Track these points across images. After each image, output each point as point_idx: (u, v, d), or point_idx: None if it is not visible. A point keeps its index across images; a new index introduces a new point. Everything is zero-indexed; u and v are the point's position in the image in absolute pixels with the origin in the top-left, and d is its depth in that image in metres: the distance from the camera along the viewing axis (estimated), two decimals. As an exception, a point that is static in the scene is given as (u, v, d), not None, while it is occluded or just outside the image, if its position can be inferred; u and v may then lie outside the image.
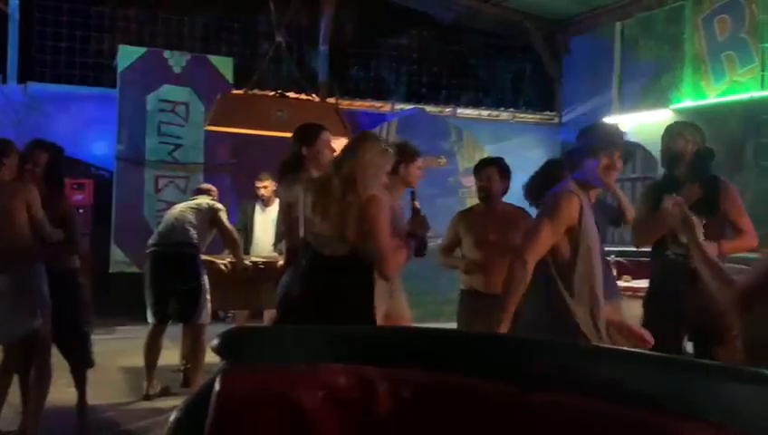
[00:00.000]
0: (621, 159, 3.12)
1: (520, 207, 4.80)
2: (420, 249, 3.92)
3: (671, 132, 4.03)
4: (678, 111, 9.25)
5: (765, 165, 7.86)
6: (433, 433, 1.38)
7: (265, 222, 7.01)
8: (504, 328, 2.97)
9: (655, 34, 9.81)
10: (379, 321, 4.55)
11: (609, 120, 10.21)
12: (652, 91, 9.71)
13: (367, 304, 3.44)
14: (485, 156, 9.87)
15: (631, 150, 3.43)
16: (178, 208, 5.92)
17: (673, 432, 1.14)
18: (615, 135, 3.22)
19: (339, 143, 4.33)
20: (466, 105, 11.75)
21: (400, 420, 1.40)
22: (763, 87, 8.21)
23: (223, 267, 6.07)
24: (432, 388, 1.42)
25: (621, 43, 10.41)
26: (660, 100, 9.50)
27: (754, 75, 8.35)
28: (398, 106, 11.10)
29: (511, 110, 11.91)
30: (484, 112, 11.68)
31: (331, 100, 10.22)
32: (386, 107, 11.06)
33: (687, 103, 9.15)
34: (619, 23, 10.40)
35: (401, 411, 1.40)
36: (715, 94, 8.85)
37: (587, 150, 3.11)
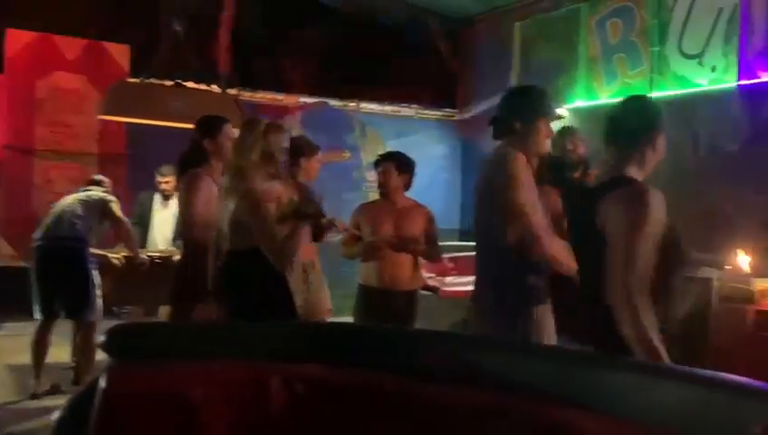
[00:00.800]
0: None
1: (420, 204, 4.86)
2: (318, 231, 4.02)
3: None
4: (573, 111, 9.57)
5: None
6: (328, 428, 1.37)
7: (165, 216, 6.83)
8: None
9: (552, 36, 10.11)
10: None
11: (508, 117, 10.46)
12: (549, 91, 9.99)
13: (278, 297, 3.41)
14: (388, 150, 9.97)
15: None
16: (68, 201, 5.69)
17: (562, 422, 1.17)
18: (547, 101, 3.29)
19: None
20: (370, 100, 11.78)
21: (295, 416, 1.38)
22: (651, 89, 8.58)
23: (116, 262, 5.89)
24: (327, 382, 1.41)
25: (520, 43, 10.67)
26: (556, 100, 9.78)
27: (644, 77, 8.73)
28: (302, 99, 11.02)
29: (414, 105, 12.02)
30: (388, 108, 11.74)
31: (232, 91, 10.05)
32: (289, 100, 10.96)
33: (581, 104, 9.47)
34: (518, 23, 10.65)
35: (296, 407, 1.39)
36: (607, 95, 9.20)
37: (531, 114, 3.12)
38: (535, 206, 2.85)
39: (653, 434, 1.23)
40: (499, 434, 1.24)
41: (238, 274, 3.41)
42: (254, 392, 1.36)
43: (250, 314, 3.18)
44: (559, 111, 3.39)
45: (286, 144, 3.73)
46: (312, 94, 11.38)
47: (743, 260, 5.72)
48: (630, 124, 2.44)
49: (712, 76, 8.04)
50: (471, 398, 1.32)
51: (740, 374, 2.66)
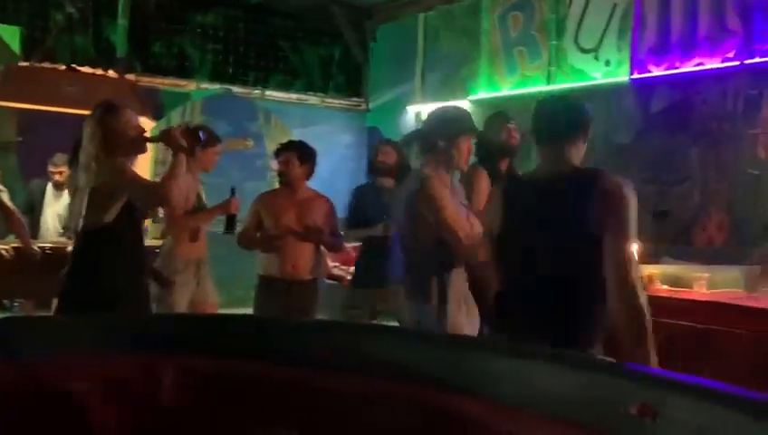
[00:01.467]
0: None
1: (321, 194, 4.84)
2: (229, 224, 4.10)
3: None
4: (476, 102, 9.74)
5: (551, 154, 8.49)
6: (219, 420, 1.36)
7: (57, 207, 6.57)
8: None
9: (455, 27, 10.25)
10: (185, 308, 4.44)
11: (412, 108, 10.57)
12: (452, 82, 10.15)
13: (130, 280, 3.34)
14: (293, 139, 9.89)
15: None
16: (-46, 191, 5.41)
17: (447, 407, 1.20)
18: (468, 119, 3.33)
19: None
20: (275, 88, 11.65)
21: (184, 409, 1.36)
22: (549, 82, 8.83)
23: (5, 253, 5.63)
24: (217, 375, 1.40)
25: (424, 34, 10.78)
26: (460, 90, 9.95)
27: (542, 71, 8.98)
28: (204, 86, 10.79)
29: (320, 94, 11.96)
30: (293, 96, 11.65)
31: (130, 76, 9.74)
32: (190, 86, 10.71)
33: (483, 95, 9.65)
34: (422, 14, 10.75)
35: (185, 399, 1.37)
36: (507, 87, 9.41)
37: (454, 133, 3.16)
38: (458, 218, 2.92)
39: (536, 419, 1.28)
40: (387, 420, 1.26)
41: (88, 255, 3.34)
42: (143, 386, 1.33)
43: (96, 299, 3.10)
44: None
45: (131, 124, 3.53)
46: (214, 81, 11.16)
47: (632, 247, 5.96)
48: (572, 118, 2.50)
49: (606, 70, 8.34)
50: (359, 385, 1.34)
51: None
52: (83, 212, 3.30)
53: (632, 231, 2.18)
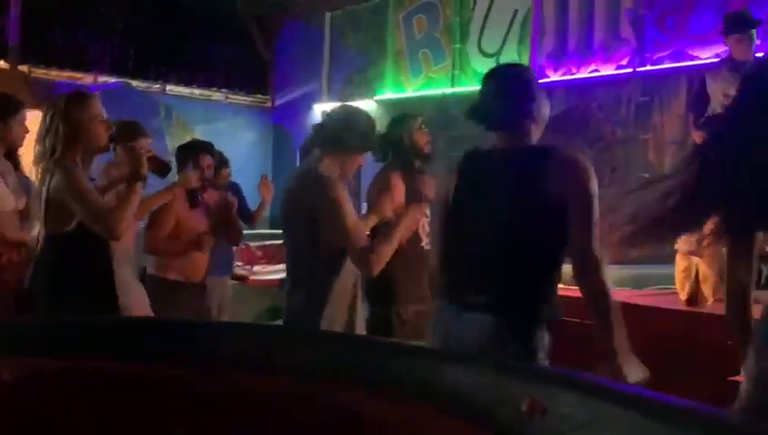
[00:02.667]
0: None
1: (222, 192, 4.74)
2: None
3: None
4: (381, 103, 9.81)
5: (453, 155, 8.63)
6: (108, 423, 1.32)
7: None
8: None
9: (361, 27, 10.30)
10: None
11: (318, 107, 10.55)
12: (358, 82, 10.19)
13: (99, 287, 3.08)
14: (196, 136, 9.70)
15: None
16: None
17: (353, 406, 1.20)
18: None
19: (31, 117, 3.91)
20: (177, 83, 11.39)
21: (80, 413, 1.32)
22: (453, 84, 8.99)
23: None
24: (118, 378, 1.36)
25: (330, 33, 10.78)
26: (365, 90, 10.00)
27: (447, 73, 9.13)
28: (102, 79, 10.44)
29: (224, 90, 11.77)
30: (197, 91, 11.42)
31: (23, 68, 9.33)
32: (87, 79, 10.34)
33: (389, 96, 9.73)
34: (329, 13, 10.75)
35: (79, 403, 1.32)
36: (412, 88, 9.53)
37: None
38: (358, 227, 2.85)
39: (435, 415, 1.30)
40: (293, 421, 1.26)
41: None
42: (29, 391, 1.28)
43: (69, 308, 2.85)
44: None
45: (99, 118, 3.24)
46: (112, 74, 10.81)
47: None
48: (514, 99, 2.40)
49: (508, 74, 8.54)
50: (267, 386, 1.33)
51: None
52: (43, 216, 3.02)
53: (595, 202, 2.16)
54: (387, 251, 2.86)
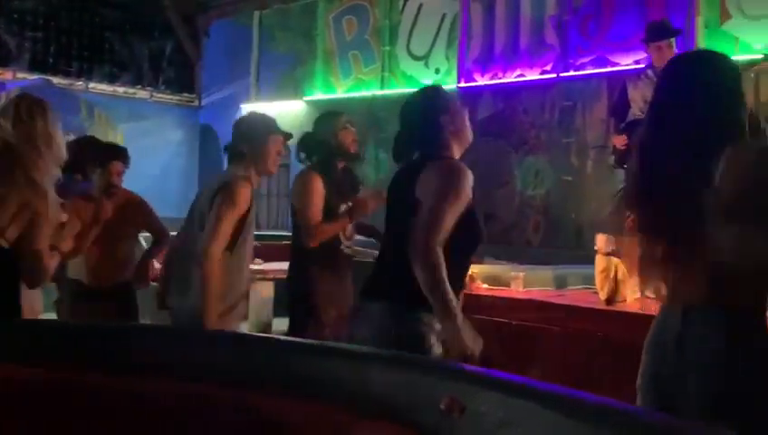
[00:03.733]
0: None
1: (136, 195, 4.57)
2: None
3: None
4: (311, 103, 9.79)
5: (383, 157, 8.68)
6: (29, 429, 1.29)
7: None
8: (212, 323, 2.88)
9: (291, 27, 10.25)
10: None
11: (246, 106, 10.43)
12: (288, 82, 10.13)
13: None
14: (120, 135, 9.47)
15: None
16: None
17: (264, 409, 1.20)
18: (273, 123, 3.33)
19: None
20: (100, 80, 11.10)
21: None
22: (383, 86, 9.03)
23: None
24: (24, 383, 1.32)
25: (260, 32, 10.69)
26: (295, 91, 9.95)
27: (376, 75, 9.17)
28: (21, 75, 10.10)
29: (149, 88, 11.54)
30: (120, 89, 11.16)
31: (-64, 62, 8.95)
32: (5, 75, 9.99)
33: (319, 96, 9.71)
34: (257, 12, 10.65)
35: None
36: (342, 90, 9.53)
37: (259, 138, 3.15)
38: (219, 234, 2.93)
39: (352, 418, 1.31)
40: (203, 423, 1.24)
41: None
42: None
43: None
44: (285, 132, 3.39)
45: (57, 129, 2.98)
46: (33, 70, 10.46)
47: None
48: (430, 115, 2.56)
49: (436, 77, 8.64)
50: (176, 389, 1.31)
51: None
52: None
53: (448, 201, 2.31)
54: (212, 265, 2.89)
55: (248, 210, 3.08)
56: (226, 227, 2.97)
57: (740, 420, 1.63)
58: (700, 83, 1.78)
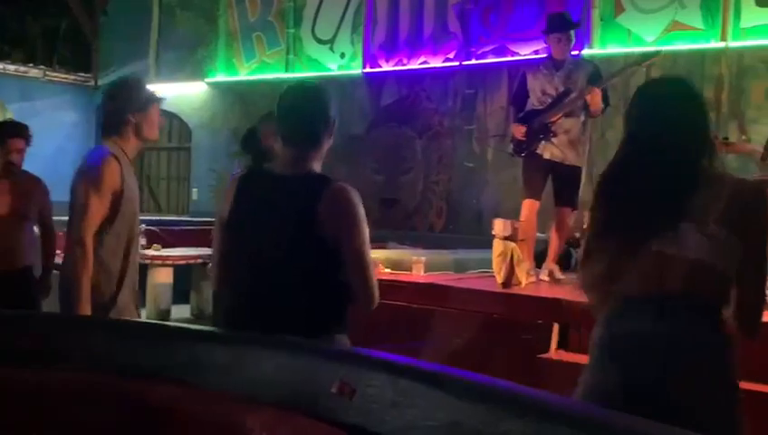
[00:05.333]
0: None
1: (34, 176, 4.40)
2: None
3: None
4: (213, 85, 9.60)
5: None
6: None
7: None
8: (85, 311, 2.69)
9: (192, 6, 10.00)
10: None
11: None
12: (188, 63, 9.89)
13: None
14: (9, 116, 9.01)
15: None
16: None
17: (154, 398, 1.17)
18: (147, 91, 3.14)
19: None
20: (-11, 58, 10.55)
21: None
22: (287, 69, 8.95)
23: None
24: None
25: (160, 11, 10.38)
26: (196, 72, 9.74)
27: (281, 58, 9.06)
28: None
29: (42, 67, 11.03)
30: (11, 67, 10.62)
31: None
32: None
33: (222, 78, 9.54)
34: (158, -10, 10.35)
35: None
36: (246, 72, 9.38)
37: (128, 109, 2.98)
38: (88, 215, 2.80)
39: (246, 404, 1.30)
40: (91, 414, 1.21)
41: None
42: None
43: None
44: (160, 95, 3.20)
45: None
46: None
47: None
48: (312, 116, 2.37)
49: (341, 62, 8.63)
50: (65, 380, 1.27)
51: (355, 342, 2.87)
52: None
53: (365, 231, 2.21)
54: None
55: (122, 188, 2.92)
56: (95, 211, 2.82)
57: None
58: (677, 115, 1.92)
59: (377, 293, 2.19)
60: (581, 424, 1.06)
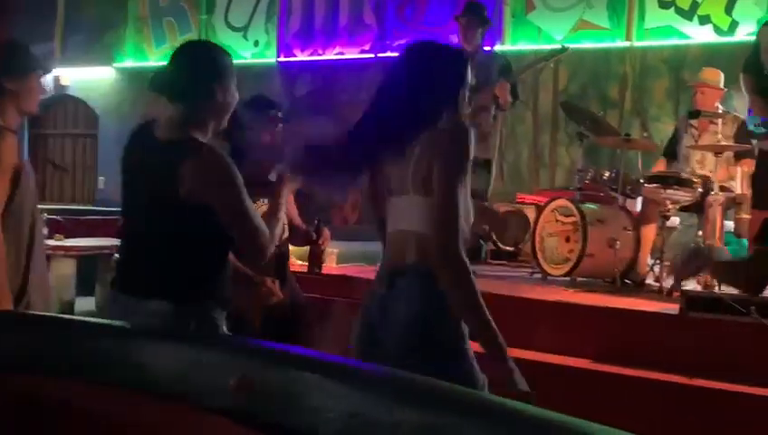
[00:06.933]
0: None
1: None
2: None
3: None
4: (121, 70, 9.32)
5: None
6: None
7: None
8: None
9: (100, -12, 9.69)
10: None
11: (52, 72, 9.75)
12: (96, 48, 9.57)
13: None
14: None
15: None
16: None
17: (32, 391, 1.13)
18: (29, 56, 2.92)
19: None
20: None
21: None
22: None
23: None
24: None
25: (66, -6, 10.01)
26: (104, 57, 9.43)
27: (192, 44, 8.86)
28: None
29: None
30: None
31: None
32: None
33: (130, 63, 9.27)
34: (63, -30, 9.96)
35: None
36: (155, 58, 9.14)
37: (3, 73, 2.77)
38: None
39: (139, 397, 1.26)
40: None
41: None
42: None
43: None
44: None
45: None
46: None
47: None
48: (192, 74, 2.25)
49: (255, 50, 8.51)
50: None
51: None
52: None
53: (237, 186, 2.14)
54: None
55: (21, 163, 2.74)
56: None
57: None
58: (409, 73, 2.05)
59: (263, 243, 2.15)
60: (473, 412, 1.08)
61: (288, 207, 3.13)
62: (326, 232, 3.43)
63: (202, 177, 2.07)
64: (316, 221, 3.43)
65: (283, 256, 3.03)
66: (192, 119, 2.17)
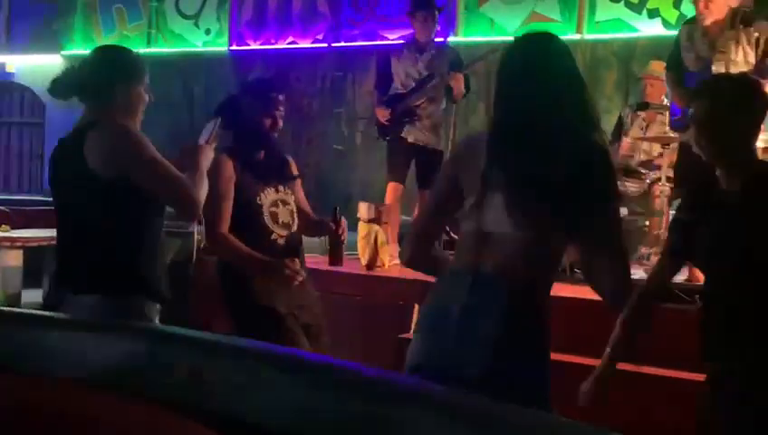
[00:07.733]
0: None
1: None
2: None
3: None
4: (69, 58, 9.11)
5: (149, 119, 8.30)
6: None
7: None
8: None
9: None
10: None
11: (-5, 58, 9.50)
12: (44, 34, 9.35)
13: None
14: None
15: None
16: None
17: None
18: None
19: None
20: None
21: None
22: (149, 44, 8.62)
23: None
24: None
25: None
26: (52, 44, 9.22)
27: (142, 32, 8.72)
28: None
29: None
30: None
31: None
32: None
33: (79, 51, 9.08)
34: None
35: None
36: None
37: None
38: None
39: (87, 391, 1.24)
40: None
41: None
42: None
43: None
44: None
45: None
46: None
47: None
48: (97, 71, 2.25)
49: (207, 39, 8.40)
50: None
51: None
52: None
53: (148, 153, 2.11)
54: None
55: None
56: None
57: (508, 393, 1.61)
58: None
59: (190, 198, 2.15)
60: (419, 403, 1.09)
61: (298, 195, 3.09)
62: (343, 222, 3.23)
63: (108, 146, 2.09)
64: (335, 208, 3.25)
65: (295, 241, 2.94)
66: (100, 117, 2.19)
